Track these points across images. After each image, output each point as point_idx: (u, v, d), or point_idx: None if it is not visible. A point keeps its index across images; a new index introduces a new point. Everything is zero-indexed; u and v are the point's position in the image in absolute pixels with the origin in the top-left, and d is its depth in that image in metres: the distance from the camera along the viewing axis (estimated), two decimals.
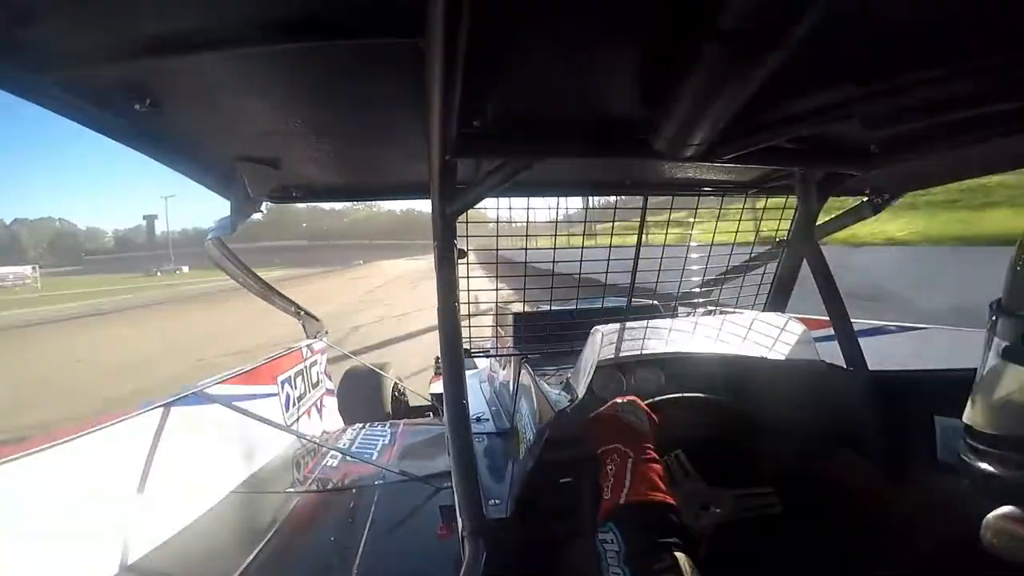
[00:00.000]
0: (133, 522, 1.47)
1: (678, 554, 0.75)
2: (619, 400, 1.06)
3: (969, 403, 0.59)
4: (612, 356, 1.36)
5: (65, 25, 0.66)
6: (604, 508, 0.87)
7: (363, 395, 3.33)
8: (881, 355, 1.52)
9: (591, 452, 0.99)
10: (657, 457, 0.95)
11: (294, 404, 2.58)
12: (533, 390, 1.46)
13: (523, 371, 1.71)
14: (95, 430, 1.44)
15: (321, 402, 2.94)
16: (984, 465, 0.56)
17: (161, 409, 1.66)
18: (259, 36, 0.70)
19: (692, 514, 1.04)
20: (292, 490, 1.94)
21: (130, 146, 1.07)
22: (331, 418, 3.02)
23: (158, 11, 0.66)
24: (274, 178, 1.41)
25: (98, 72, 0.79)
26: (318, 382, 2.93)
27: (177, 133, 1.09)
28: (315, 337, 2.94)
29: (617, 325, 1.43)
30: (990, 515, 0.52)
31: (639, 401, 1.06)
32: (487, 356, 2.48)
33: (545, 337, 1.97)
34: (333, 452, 2.21)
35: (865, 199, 1.80)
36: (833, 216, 1.89)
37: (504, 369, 2.26)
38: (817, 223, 1.70)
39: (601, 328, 1.35)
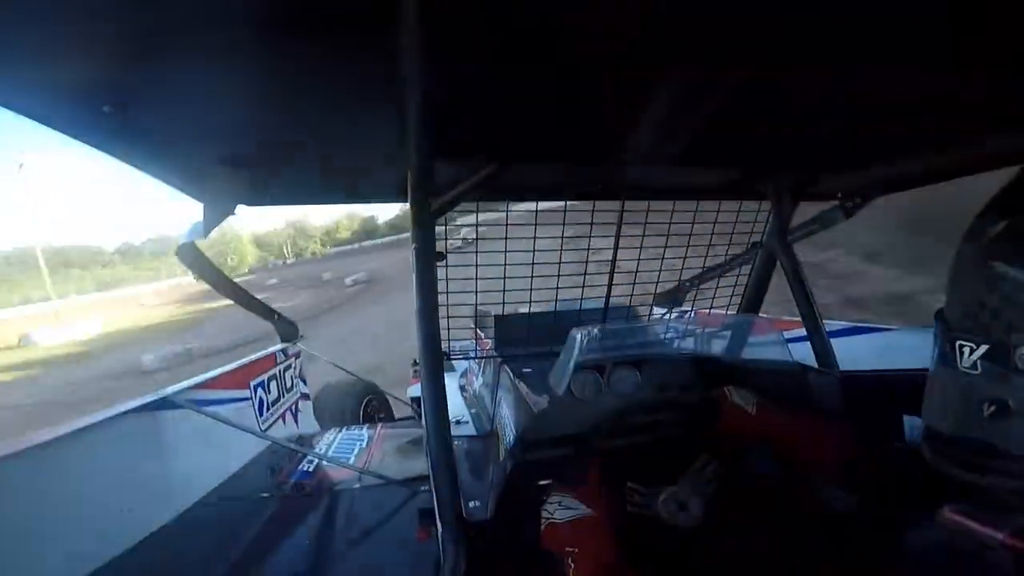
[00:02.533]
0: (101, 528, 1.43)
1: None
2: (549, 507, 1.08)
3: (924, 402, 0.63)
4: (590, 357, 1.37)
5: (27, 22, 0.63)
6: None
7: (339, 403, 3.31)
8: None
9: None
10: (603, 533, 1.00)
11: (268, 408, 2.54)
12: (513, 392, 1.46)
13: (503, 374, 1.70)
14: (64, 435, 1.40)
15: (296, 406, 2.90)
16: (940, 463, 0.59)
17: (130, 415, 1.62)
18: (232, 34, 0.68)
19: (675, 517, 1.06)
20: (267, 495, 1.90)
21: (97, 148, 1.03)
22: (307, 422, 2.98)
23: (128, 9, 0.63)
24: (248, 180, 1.38)
25: (64, 72, 0.76)
26: (292, 386, 2.89)
27: (146, 135, 1.05)
28: (290, 341, 2.91)
29: (595, 327, 1.44)
30: (941, 509, 0.57)
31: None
32: (466, 359, 2.47)
33: (524, 340, 1.97)
34: (310, 456, 2.18)
35: (836, 203, 1.84)
36: (806, 220, 1.94)
37: (484, 372, 2.25)
38: (791, 227, 1.74)
39: (579, 330, 1.36)
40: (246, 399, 2.37)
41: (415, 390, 3.33)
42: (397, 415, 3.56)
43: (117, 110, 0.85)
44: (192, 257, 1.85)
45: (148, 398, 1.74)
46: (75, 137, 0.96)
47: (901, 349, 1.95)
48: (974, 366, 0.54)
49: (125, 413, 1.61)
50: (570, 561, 0.97)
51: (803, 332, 1.58)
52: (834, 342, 1.55)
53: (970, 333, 0.54)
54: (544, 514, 1.03)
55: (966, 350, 0.54)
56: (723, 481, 1.11)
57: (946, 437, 0.58)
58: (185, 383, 1.99)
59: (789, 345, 1.45)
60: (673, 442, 1.17)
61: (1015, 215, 0.54)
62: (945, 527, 0.58)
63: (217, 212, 1.53)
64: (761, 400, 1.20)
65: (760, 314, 1.84)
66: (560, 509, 1.05)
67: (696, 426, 1.19)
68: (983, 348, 0.53)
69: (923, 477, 0.61)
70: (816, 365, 1.51)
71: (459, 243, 2.55)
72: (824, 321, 1.59)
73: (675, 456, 1.15)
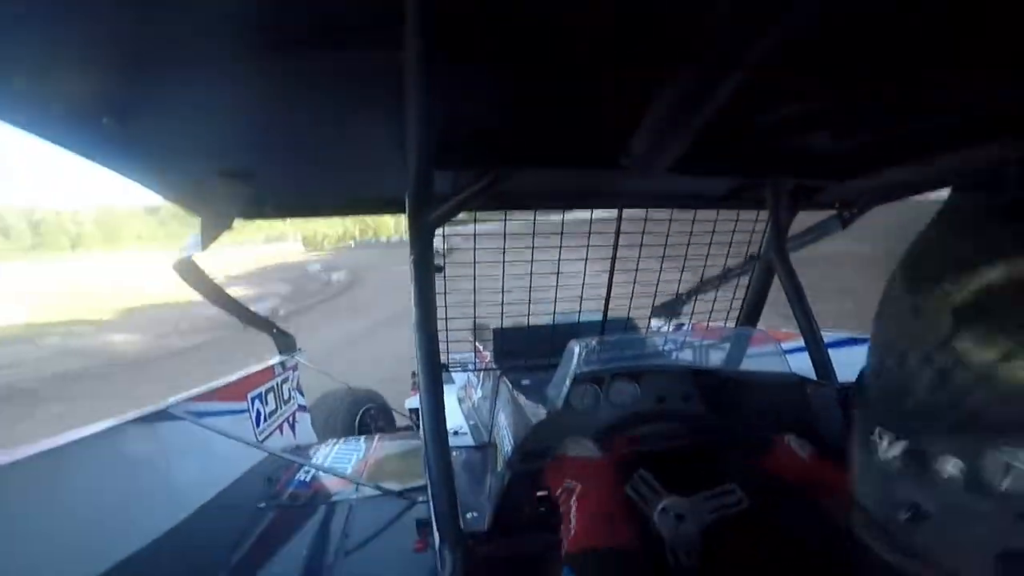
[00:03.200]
0: (99, 537, 1.43)
1: None
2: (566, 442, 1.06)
3: (849, 467, 0.53)
4: (588, 370, 1.37)
5: (23, 33, 0.63)
6: (562, 553, 0.87)
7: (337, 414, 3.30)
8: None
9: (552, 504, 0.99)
10: (609, 483, 0.96)
11: (265, 420, 2.54)
12: (511, 404, 1.45)
13: (501, 385, 1.70)
14: (64, 445, 1.40)
15: (294, 418, 2.90)
16: (870, 540, 0.49)
17: (129, 426, 1.62)
18: (231, 49, 0.69)
19: (671, 528, 1.03)
20: (263, 505, 1.89)
21: (93, 160, 1.02)
22: (304, 434, 2.97)
23: (127, 22, 0.63)
24: (247, 194, 1.37)
25: (62, 84, 0.76)
26: (290, 398, 2.88)
27: (144, 148, 1.05)
28: (288, 354, 2.91)
29: (593, 339, 1.43)
30: None
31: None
32: (465, 371, 2.47)
33: (523, 351, 1.97)
34: (307, 467, 2.17)
35: (834, 213, 1.85)
36: (803, 230, 1.94)
37: (483, 384, 2.25)
38: (789, 237, 1.74)
39: (577, 342, 1.36)
40: (244, 411, 2.37)
41: (413, 401, 3.32)
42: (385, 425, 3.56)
43: (115, 122, 0.85)
44: (190, 272, 1.85)
45: (147, 409, 1.74)
46: (72, 150, 0.95)
47: None
48: (892, 461, 0.44)
49: (124, 424, 1.61)
50: (572, 498, 0.93)
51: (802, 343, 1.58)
52: (832, 353, 1.55)
53: (888, 420, 0.45)
54: (559, 449, 1.02)
55: (884, 441, 0.45)
56: (742, 519, 1.07)
57: (871, 517, 0.49)
58: (183, 395, 1.99)
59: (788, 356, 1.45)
60: (707, 457, 1.15)
61: (969, 271, 0.39)
62: None
63: (215, 226, 1.53)
64: (814, 451, 1.14)
65: (757, 326, 1.84)
66: (575, 446, 1.04)
67: (741, 455, 1.16)
68: (901, 445, 0.43)
69: None
70: (814, 377, 1.51)
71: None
72: (822, 332, 1.59)
73: (701, 470, 1.12)
